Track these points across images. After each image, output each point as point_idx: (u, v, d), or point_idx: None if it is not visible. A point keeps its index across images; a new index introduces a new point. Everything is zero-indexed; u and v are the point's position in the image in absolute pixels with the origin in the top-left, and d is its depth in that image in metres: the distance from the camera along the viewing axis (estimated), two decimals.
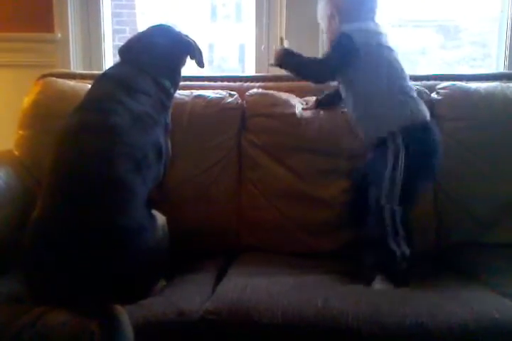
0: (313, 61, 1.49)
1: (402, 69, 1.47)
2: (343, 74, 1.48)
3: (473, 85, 1.70)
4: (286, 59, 1.50)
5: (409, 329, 1.12)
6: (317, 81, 1.55)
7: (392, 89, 1.43)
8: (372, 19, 1.50)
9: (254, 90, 1.75)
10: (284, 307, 1.17)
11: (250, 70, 2.19)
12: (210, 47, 4.46)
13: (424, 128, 1.43)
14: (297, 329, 1.15)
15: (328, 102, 1.67)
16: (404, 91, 1.45)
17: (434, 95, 1.70)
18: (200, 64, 1.60)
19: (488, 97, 1.66)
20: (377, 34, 1.48)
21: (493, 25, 2.17)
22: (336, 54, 1.45)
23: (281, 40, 1.59)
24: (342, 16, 1.48)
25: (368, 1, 1.51)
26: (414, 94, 1.48)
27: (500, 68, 2.07)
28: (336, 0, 1.50)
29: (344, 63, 1.44)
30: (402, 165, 1.37)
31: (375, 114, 1.45)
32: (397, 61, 1.47)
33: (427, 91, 1.69)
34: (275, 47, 1.64)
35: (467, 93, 1.68)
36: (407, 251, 1.35)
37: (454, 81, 1.73)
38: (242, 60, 4.04)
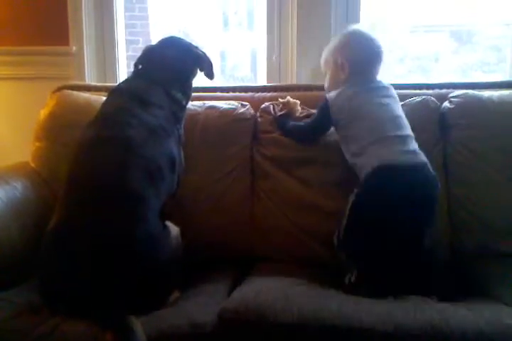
0: (297, 127, 1.65)
1: (390, 119, 1.49)
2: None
3: (486, 93, 1.69)
4: (279, 126, 1.68)
5: (422, 329, 1.13)
6: (302, 143, 1.66)
7: (368, 141, 1.45)
8: (372, 75, 1.59)
9: (267, 104, 1.76)
10: (300, 307, 1.19)
11: (262, 78, 2.20)
12: (222, 55, 4.49)
13: (378, 173, 1.40)
14: (312, 328, 1.16)
15: None
16: (382, 140, 1.45)
17: (446, 104, 1.69)
18: (210, 76, 1.62)
19: (501, 105, 1.64)
20: (364, 93, 1.53)
21: (507, 29, 2.15)
22: (317, 119, 1.61)
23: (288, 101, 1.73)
24: (351, 68, 1.58)
25: (373, 56, 1.59)
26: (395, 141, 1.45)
27: None
28: (346, 52, 1.59)
29: (324, 128, 1.61)
30: (349, 208, 1.42)
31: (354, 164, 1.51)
32: (385, 112, 1.50)
33: (434, 100, 1.68)
34: (280, 101, 1.75)
35: (480, 101, 1.66)
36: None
37: (467, 89, 1.72)
38: (254, 68, 4.05)
